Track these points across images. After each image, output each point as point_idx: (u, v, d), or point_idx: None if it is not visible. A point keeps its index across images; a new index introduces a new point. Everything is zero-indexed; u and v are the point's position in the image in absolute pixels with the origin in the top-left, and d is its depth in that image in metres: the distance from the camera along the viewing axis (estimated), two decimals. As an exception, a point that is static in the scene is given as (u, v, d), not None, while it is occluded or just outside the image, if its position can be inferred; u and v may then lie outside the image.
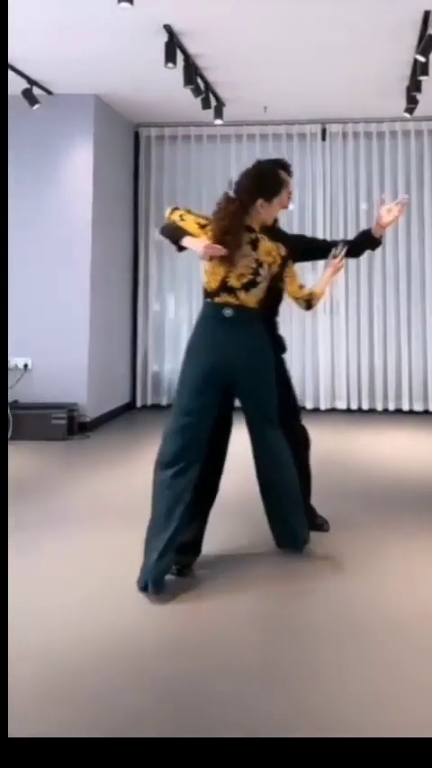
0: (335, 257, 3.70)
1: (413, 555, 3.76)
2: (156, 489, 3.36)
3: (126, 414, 8.11)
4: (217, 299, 3.42)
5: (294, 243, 3.74)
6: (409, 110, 6.78)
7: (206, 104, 6.64)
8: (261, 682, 2.52)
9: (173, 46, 5.49)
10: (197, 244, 3.32)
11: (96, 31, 5.61)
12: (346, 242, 3.86)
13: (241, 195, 3.45)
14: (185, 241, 3.37)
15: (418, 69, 5.76)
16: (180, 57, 5.65)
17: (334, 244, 3.85)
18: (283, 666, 2.64)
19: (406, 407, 8.09)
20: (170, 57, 5.50)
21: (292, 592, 3.31)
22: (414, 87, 6.11)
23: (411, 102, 6.58)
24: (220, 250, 3.28)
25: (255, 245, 3.43)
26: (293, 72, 6.56)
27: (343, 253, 3.69)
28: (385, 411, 8.13)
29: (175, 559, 3.34)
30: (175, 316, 8.52)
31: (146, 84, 6.85)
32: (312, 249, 3.98)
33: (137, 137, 8.49)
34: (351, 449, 6.34)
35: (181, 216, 3.46)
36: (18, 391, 7.02)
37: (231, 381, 3.43)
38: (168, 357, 8.47)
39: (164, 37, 5.47)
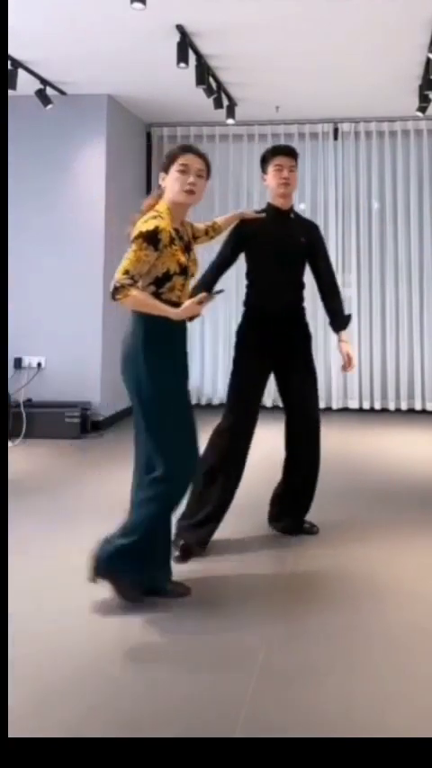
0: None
1: (426, 553, 3.76)
2: None
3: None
4: None
5: None
6: (422, 108, 6.77)
7: (218, 104, 6.65)
8: (266, 681, 2.53)
9: (185, 46, 5.51)
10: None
11: (109, 32, 5.64)
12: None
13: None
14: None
15: (431, 68, 5.76)
16: (192, 57, 5.68)
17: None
18: (288, 666, 2.66)
19: (419, 407, 8.07)
20: (182, 57, 5.52)
21: (298, 594, 3.32)
22: (427, 86, 6.11)
23: (424, 101, 6.57)
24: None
25: None
26: (305, 72, 6.56)
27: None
28: (398, 411, 8.12)
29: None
30: (188, 315, 8.51)
31: (158, 84, 6.87)
32: None
33: (149, 136, 8.51)
34: (363, 448, 6.33)
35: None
36: (32, 390, 7.06)
37: None
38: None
39: (176, 37, 5.49)
